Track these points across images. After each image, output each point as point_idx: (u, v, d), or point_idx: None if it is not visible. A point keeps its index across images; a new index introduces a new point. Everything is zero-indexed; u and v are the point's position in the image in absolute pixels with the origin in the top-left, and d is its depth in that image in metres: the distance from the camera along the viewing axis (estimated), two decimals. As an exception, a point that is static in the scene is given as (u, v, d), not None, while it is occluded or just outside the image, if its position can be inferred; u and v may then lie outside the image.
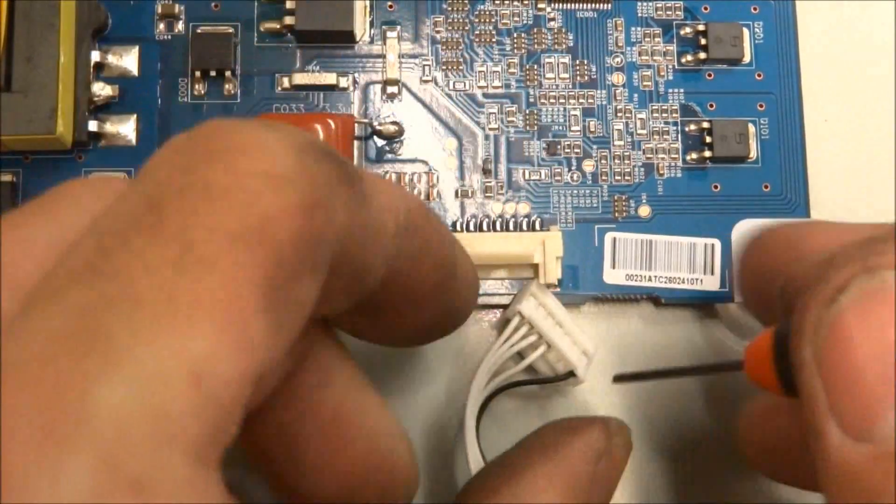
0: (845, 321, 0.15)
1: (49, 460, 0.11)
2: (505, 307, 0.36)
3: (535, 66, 0.38)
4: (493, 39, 0.38)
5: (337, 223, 0.15)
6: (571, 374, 0.21)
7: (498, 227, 0.37)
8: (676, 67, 0.38)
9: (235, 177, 0.13)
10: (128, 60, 0.37)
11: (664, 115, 0.38)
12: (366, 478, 0.20)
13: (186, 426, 0.11)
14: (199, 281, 0.12)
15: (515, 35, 0.38)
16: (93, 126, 0.36)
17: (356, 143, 0.37)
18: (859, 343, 0.15)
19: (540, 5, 0.39)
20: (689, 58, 0.38)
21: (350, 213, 0.15)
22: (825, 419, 0.15)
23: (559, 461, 0.22)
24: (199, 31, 0.37)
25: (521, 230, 0.36)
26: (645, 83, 0.38)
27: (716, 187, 0.37)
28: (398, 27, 0.38)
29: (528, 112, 0.38)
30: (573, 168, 0.37)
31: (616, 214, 0.37)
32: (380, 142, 0.37)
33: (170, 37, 0.37)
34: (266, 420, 0.19)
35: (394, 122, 0.37)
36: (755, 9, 0.39)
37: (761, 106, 0.38)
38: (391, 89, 0.38)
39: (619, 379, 0.20)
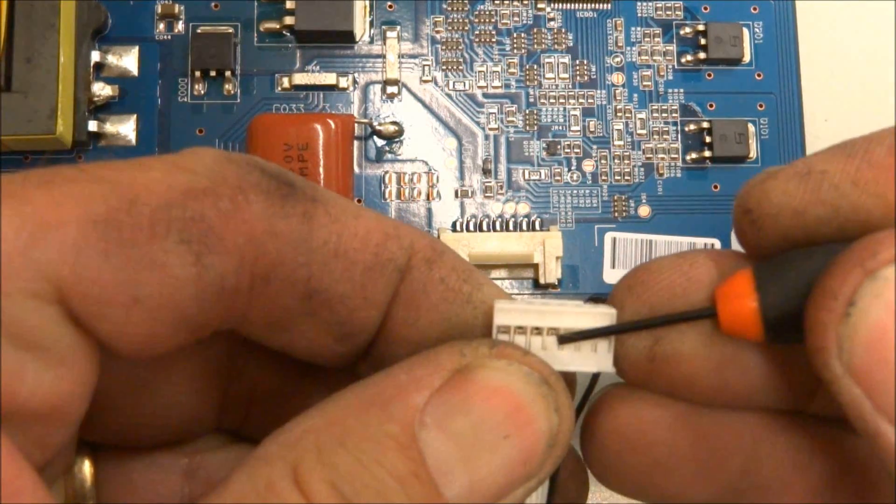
0: (867, 331, 0.16)
1: None
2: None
3: (535, 66, 0.38)
4: (493, 39, 0.38)
5: (241, 220, 0.17)
6: (596, 376, 0.19)
7: (498, 227, 0.37)
8: (676, 67, 0.38)
9: (161, 163, 0.17)
10: (128, 60, 0.37)
11: (664, 115, 0.38)
12: None
13: None
14: (47, 196, 0.16)
15: (515, 35, 0.38)
16: (93, 126, 0.36)
17: (356, 143, 0.37)
18: (887, 347, 0.15)
19: (540, 5, 0.39)
20: (689, 58, 0.38)
21: (271, 220, 0.17)
22: (877, 420, 0.16)
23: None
24: (199, 31, 0.37)
25: (521, 230, 0.36)
26: (645, 83, 0.38)
27: (716, 187, 0.37)
28: (398, 27, 0.38)
29: (528, 112, 0.38)
30: (573, 168, 0.38)
31: (616, 214, 0.37)
32: (380, 142, 0.37)
33: (170, 37, 0.37)
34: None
35: (394, 122, 0.37)
36: (755, 9, 0.39)
37: (761, 106, 0.38)
38: (391, 89, 0.38)
39: (565, 340, 0.18)
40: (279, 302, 0.18)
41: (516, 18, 0.38)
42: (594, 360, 0.19)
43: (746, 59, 0.38)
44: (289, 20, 0.37)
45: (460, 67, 0.38)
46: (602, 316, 0.19)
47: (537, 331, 0.18)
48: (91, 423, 0.19)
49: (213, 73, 0.37)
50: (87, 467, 0.20)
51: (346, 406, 0.17)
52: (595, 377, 0.19)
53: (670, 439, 0.20)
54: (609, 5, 0.39)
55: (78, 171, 0.16)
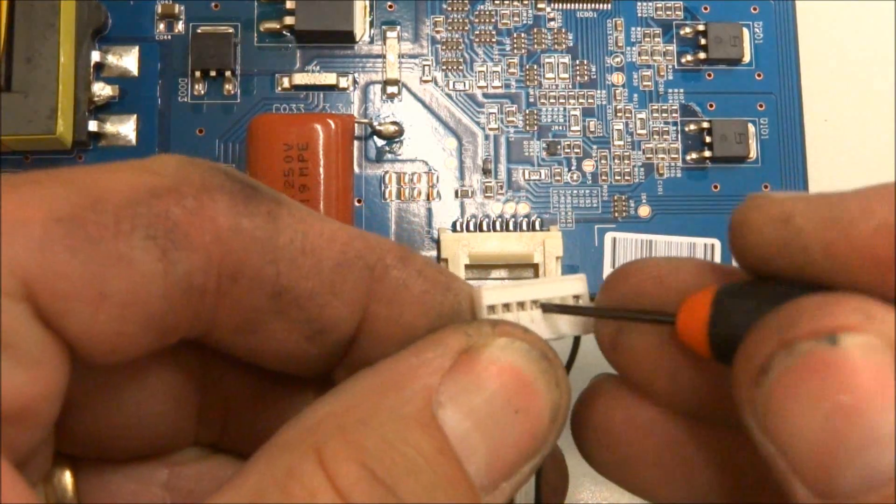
0: (775, 402, 0.16)
1: None
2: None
3: (535, 66, 0.38)
4: (493, 39, 0.38)
5: (206, 218, 0.17)
6: (578, 339, 0.21)
7: (498, 227, 0.37)
8: (676, 67, 0.38)
9: (126, 166, 0.17)
10: (128, 60, 0.37)
11: (664, 115, 0.38)
12: None
13: None
14: (12, 197, 0.16)
15: (515, 35, 0.38)
16: (93, 126, 0.36)
17: (356, 143, 0.37)
18: (795, 419, 0.15)
19: (540, 5, 0.39)
20: (689, 58, 0.38)
21: (236, 219, 0.17)
22: (790, 478, 0.15)
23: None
24: (199, 31, 0.37)
25: (521, 230, 0.36)
26: (645, 83, 0.38)
27: (716, 187, 0.38)
28: (398, 27, 0.38)
29: (528, 112, 0.38)
30: (573, 168, 0.38)
31: (616, 214, 0.37)
32: (380, 142, 0.37)
33: (170, 37, 0.37)
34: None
35: (394, 122, 0.37)
36: (755, 9, 0.39)
37: (761, 106, 0.38)
38: (391, 89, 0.38)
39: (548, 309, 0.20)
40: (247, 301, 0.18)
41: (516, 18, 0.38)
42: (577, 325, 0.20)
43: (746, 59, 0.38)
44: (289, 20, 0.37)
45: (460, 67, 0.38)
46: (574, 282, 0.20)
47: (521, 306, 0.20)
48: (68, 434, 0.19)
49: (213, 73, 0.37)
50: (67, 478, 0.20)
51: (360, 392, 0.17)
52: (577, 341, 0.21)
53: (639, 441, 0.20)
54: (609, 5, 0.39)
55: (44, 175, 0.17)
